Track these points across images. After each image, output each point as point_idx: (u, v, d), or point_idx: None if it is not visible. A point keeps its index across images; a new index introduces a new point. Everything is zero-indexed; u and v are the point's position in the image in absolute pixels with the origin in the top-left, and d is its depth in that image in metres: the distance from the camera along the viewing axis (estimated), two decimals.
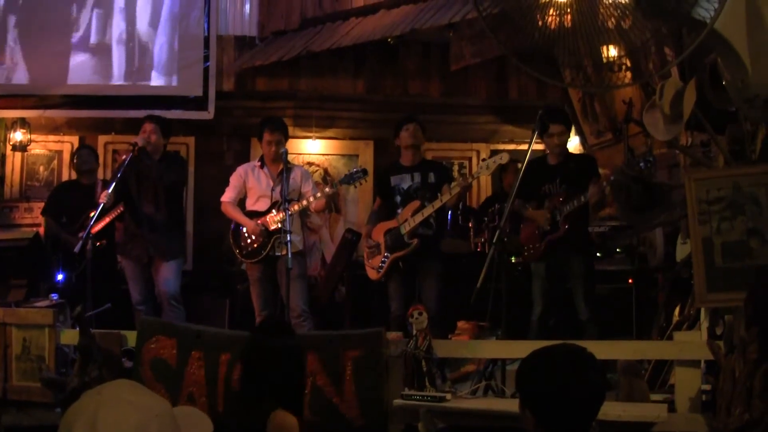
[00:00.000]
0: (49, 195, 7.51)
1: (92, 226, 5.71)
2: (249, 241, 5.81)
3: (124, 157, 5.94)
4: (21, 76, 7.77)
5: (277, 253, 5.59)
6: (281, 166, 5.73)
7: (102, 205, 5.69)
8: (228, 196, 6.00)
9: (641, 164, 5.15)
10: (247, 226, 5.81)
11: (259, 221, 5.78)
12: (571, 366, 2.20)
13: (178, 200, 6.40)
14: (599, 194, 5.49)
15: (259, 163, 6.01)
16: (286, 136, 6.01)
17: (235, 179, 6.04)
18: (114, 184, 5.76)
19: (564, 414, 2.17)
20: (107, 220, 6.29)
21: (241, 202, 6.05)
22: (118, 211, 6.23)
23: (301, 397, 3.19)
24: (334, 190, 5.88)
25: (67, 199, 6.92)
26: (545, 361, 2.24)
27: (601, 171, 5.84)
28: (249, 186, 5.97)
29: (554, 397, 2.16)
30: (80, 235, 5.81)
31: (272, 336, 3.24)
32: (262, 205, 5.88)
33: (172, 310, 5.81)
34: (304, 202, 5.70)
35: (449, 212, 6.93)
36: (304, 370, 3.32)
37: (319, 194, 5.74)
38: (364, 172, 5.88)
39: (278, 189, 5.67)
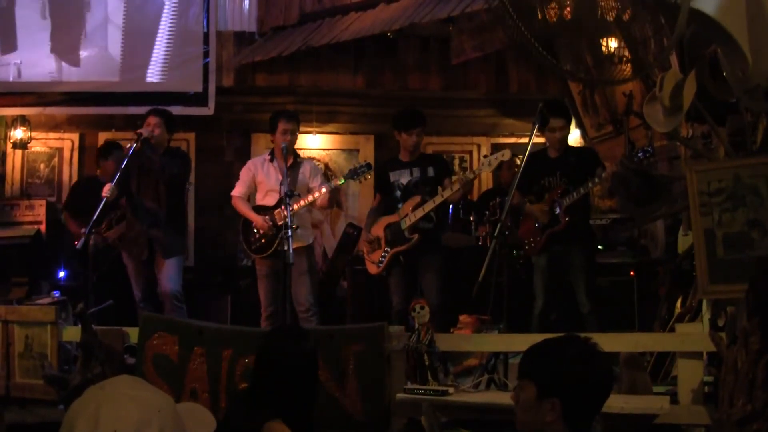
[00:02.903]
0: (70, 193, 7.46)
1: (95, 221, 5.64)
2: (258, 236, 5.82)
3: (128, 145, 5.87)
4: (18, 74, 7.76)
5: (286, 248, 5.59)
6: (291, 160, 5.76)
7: (105, 199, 5.61)
8: (238, 190, 6.01)
9: (639, 155, 5.14)
10: (255, 222, 5.82)
11: (267, 216, 5.78)
12: (598, 354, 2.30)
13: (180, 196, 6.29)
14: (605, 181, 5.46)
15: (269, 157, 6.02)
16: (299, 128, 6.05)
17: (244, 174, 6.05)
18: (117, 176, 5.68)
19: (594, 401, 2.28)
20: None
21: (251, 197, 6.05)
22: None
23: (311, 409, 3.07)
24: (339, 185, 5.87)
25: (89, 200, 6.76)
26: (575, 349, 2.29)
27: None
28: (258, 180, 5.99)
29: (590, 385, 2.25)
30: (82, 230, 5.77)
31: (288, 343, 3.12)
32: (271, 200, 5.88)
33: (173, 309, 5.76)
34: (310, 198, 5.71)
35: (450, 206, 6.93)
36: (317, 380, 3.25)
37: (324, 189, 5.73)
38: (368, 166, 5.88)
39: (288, 183, 5.68)
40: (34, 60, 7.75)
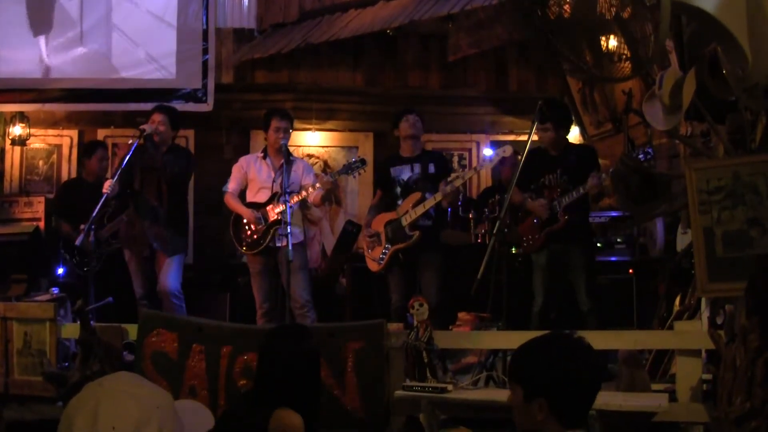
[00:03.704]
0: (57, 195, 7.45)
1: (95, 218, 5.61)
2: (249, 232, 5.82)
3: (130, 141, 5.83)
4: (16, 70, 7.75)
5: (278, 244, 5.60)
6: (284, 158, 5.75)
7: (106, 195, 5.59)
8: (230, 187, 6.01)
9: (641, 156, 5.15)
10: (244, 215, 5.82)
11: (258, 212, 5.78)
12: (582, 350, 2.28)
13: (182, 194, 6.23)
14: (598, 186, 5.48)
15: (261, 155, 6.01)
16: (292, 127, 6.03)
17: (236, 170, 6.04)
18: (119, 172, 5.66)
19: (581, 397, 2.25)
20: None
21: (242, 194, 6.04)
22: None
23: (315, 407, 3.09)
24: (332, 180, 5.86)
25: (77, 201, 6.72)
26: (556, 348, 2.29)
27: (600, 161, 5.83)
28: (250, 177, 5.97)
29: (574, 382, 2.23)
30: (81, 227, 5.76)
31: (289, 341, 3.14)
32: (262, 197, 5.88)
33: (172, 308, 5.76)
34: (303, 193, 5.70)
35: None
36: (320, 375, 3.26)
37: (318, 185, 5.73)
38: (363, 162, 5.88)
39: (279, 181, 5.68)
40: (28, 57, 7.76)
